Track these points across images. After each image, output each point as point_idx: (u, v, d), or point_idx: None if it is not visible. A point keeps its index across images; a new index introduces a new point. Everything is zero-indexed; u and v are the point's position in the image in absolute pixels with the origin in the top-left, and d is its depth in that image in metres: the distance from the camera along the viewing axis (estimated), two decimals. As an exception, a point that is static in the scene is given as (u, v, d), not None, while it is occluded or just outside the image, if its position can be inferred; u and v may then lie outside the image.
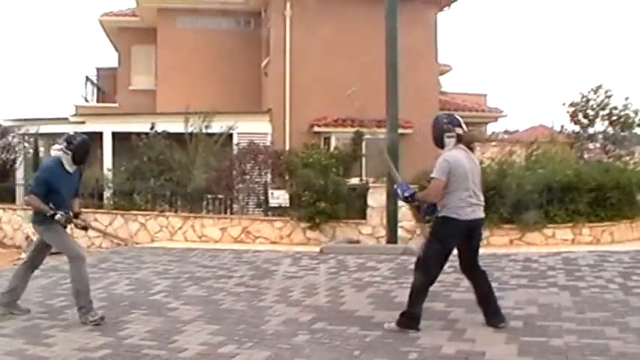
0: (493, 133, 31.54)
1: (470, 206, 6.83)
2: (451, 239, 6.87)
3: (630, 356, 5.79)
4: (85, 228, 8.49)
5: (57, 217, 7.53)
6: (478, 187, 6.99)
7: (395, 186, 7.40)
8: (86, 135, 8.02)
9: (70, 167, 7.82)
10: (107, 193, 18.64)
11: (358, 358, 5.89)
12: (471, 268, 7.15)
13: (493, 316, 7.02)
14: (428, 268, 6.88)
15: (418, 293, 6.89)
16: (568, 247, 14.53)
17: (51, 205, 7.57)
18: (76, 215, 8.00)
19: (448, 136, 6.91)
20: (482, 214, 7.00)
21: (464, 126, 7.05)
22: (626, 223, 16.35)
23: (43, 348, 6.33)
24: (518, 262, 11.93)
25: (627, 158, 24.76)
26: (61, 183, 7.71)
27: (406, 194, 7.09)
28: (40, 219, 7.72)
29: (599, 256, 12.86)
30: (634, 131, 28.53)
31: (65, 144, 7.75)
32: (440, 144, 7.00)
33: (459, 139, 6.94)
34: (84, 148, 7.81)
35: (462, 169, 6.77)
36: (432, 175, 6.82)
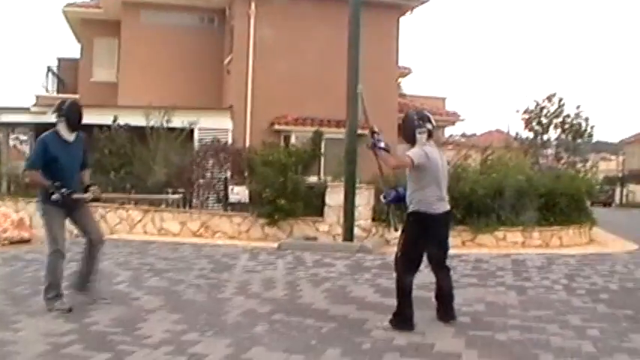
0: (451, 136, 32.16)
1: (439, 201, 7.14)
2: (424, 232, 7.12)
3: (568, 350, 6.21)
4: (96, 199, 8.14)
5: (53, 197, 7.40)
6: (446, 183, 7.33)
7: (370, 132, 7.37)
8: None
9: (68, 136, 7.65)
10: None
11: (314, 347, 6.20)
12: (438, 263, 7.44)
13: (445, 312, 7.37)
14: (406, 263, 7.13)
15: (403, 288, 7.14)
16: (518, 249, 15.05)
17: (56, 183, 7.42)
18: (87, 188, 7.85)
19: (420, 132, 7.14)
20: (449, 207, 7.32)
21: (433, 121, 7.35)
22: (575, 228, 16.98)
23: (11, 333, 6.49)
24: (469, 263, 12.37)
25: (580, 165, 25.51)
26: (59, 153, 7.54)
27: (381, 145, 7.04)
28: (41, 198, 7.64)
29: (547, 258, 13.41)
30: (587, 139, 29.46)
31: (56, 112, 7.61)
32: (412, 140, 7.20)
33: (430, 135, 7.24)
34: (75, 109, 7.68)
35: (434, 165, 7.07)
36: (407, 154, 7.03)
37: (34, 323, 6.95)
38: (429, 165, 7.02)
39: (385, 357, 5.92)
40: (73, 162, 7.71)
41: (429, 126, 7.23)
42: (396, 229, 7.56)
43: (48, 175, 7.51)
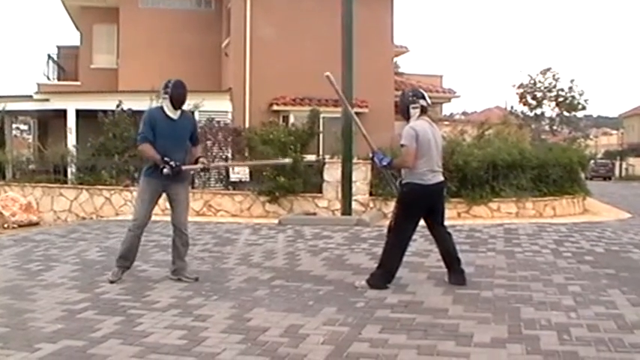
0: (451, 113, 32.56)
1: (432, 172, 7.54)
2: (417, 203, 7.58)
3: (548, 304, 6.64)
4: (205, 169, 8.42)
5: (165, 171, 7.59)
6: (439, 155, 7.74)
7: (371, 154, 8.08)
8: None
9: (172, 113, 7.86)
10: (72, 169, 19.16)
11: (312, 307, 6.65)
12: (437, 230, 7.88)
13: (455, 276, 7.77)
14: (398, 232, 7.60)
15: (390, 254, 7.60)
16: (512, 219, 15.44)
17: (165, 158, 7.64)
18: (196, 160, 8.10)
19: (413, 107, 7.63)
20: (442, 178, 7.76)
21: (427, 99, 7.80)
22: (568, 198, 17.36)
23: (29, 302, 6.93)
24: (463, 232, 12.76)
25: (581, 140, 25.86)
26: (162, 128, 7.77)
27: (384, 163, 7.70)
28: (144, 172, 7.95)
29: (538, 227, 13.81)
30: (588, 114, 29.90)
31: (163, 90, 7.79)
32: (406, 115, 7.70)
33: (423, 111, 7.68)
34: (178, 88, 7.82)
35: (425, 138, 7.46)
36: (402, 143, 7.48)
37: (49, 294, 7.38)
38: (420, 140, 7.42)
39: (377, 313, 6.37)
40: (176, 139, 7.87)
41: (423, 102, 7.68)
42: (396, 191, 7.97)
43: (155, 147, 7.74)
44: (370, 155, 8.09)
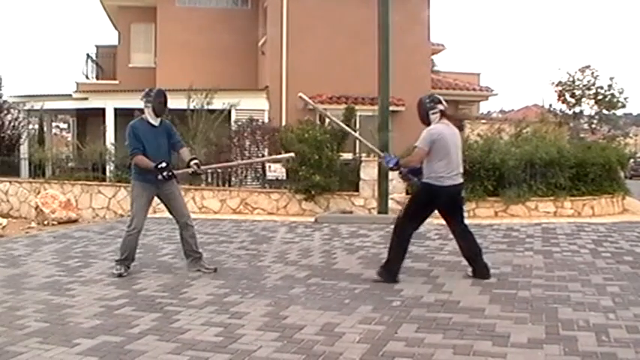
0: (488, 112, 32.28)
1: (449, 174, 7.67)
2: (429, 203, 7.80)
3: (587, 304, 6.58)
4: (195, 173, 8.65)
5: (159, 177, 8.07)
6: (459, 157, 7.85)
7: (379, 159, 8.27)
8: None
9: (154, 121, 8.30)
10: (110, 167, 19.35)
11: (348, 305, 6.66)
12: (456, 227, 8.05)
13: (479, 269, 7.92)
14: (400, 229, 7.83)
15: (396, 248, 7.83)
16: (550, 219, 15.27)
17: (161, 165, 8.06)
18: (188, 163, 8.39)
19: (433, 113, 7.86)
20: (460, 180, 7.88)
21: (444, 102, 8.00)
22: (607, 197, 17.10)
23: (67, 298, 7.05)
24: (500, 231, 12.67)
25: (621, 138, 25.45)
26: (146, 137, 8.19)
27: (390, 164, 8.01)
28: (134, 176, 8.37)
29: (577, 226, 13.63)
30: (627, 112, 29.46)
31: (145, 99, 8.22)
32: (427, 121, 7.90)
33: (442, 114, 7.84)
34: (159, 97, 8.23)
35: (443, 141, 7.63)
36: (416, 144, 7.71)
37: (87, 290, 7.50)
38: (438, 144, 7.61)
39: (413, 312, 6.36)
40: (159, 145, 8.32)
41: (440, 107, 7.92)
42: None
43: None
44: (382, 156, 8.36)
